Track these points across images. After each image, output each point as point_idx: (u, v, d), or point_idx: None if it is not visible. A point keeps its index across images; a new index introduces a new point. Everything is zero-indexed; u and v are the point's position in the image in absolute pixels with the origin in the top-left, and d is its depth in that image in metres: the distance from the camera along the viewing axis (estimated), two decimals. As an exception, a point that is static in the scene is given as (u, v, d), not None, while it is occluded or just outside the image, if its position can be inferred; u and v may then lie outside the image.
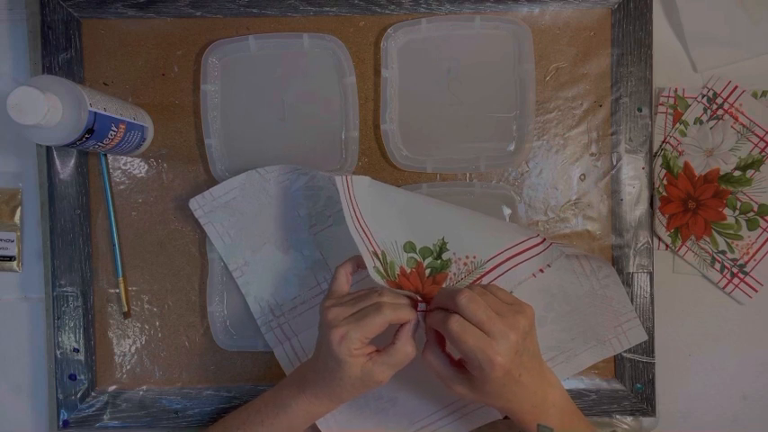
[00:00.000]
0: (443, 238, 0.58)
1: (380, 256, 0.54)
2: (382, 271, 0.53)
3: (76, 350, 0.64)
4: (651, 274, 0.64)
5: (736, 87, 0.65)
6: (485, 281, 0.58)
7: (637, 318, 0.62)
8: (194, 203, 0.62)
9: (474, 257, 0.58)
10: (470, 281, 0.58)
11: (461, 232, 0.58)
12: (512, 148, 0.64)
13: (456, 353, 0.50)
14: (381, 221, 0.57)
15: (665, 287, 0.65)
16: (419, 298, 0.52)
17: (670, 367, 0.66)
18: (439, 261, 0.58)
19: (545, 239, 0.58)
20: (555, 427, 0.51)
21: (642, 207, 0.64)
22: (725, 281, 0.65)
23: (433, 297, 0.52)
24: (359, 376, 0.49)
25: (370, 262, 0.52)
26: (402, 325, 0.50)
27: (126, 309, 0.64)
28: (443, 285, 0.58)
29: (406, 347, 0.49)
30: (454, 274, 0.58)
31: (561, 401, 0.53)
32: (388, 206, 0.58)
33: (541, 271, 0.59)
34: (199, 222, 0.62)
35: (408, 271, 0.57)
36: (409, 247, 0.58)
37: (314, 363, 0.53)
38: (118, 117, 0.55)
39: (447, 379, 0.50)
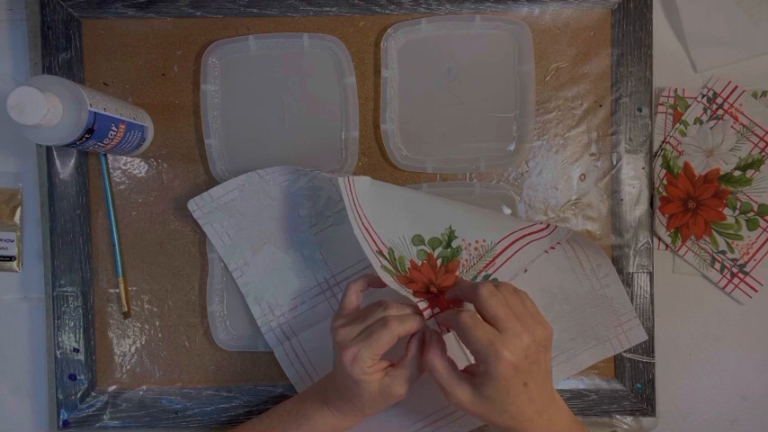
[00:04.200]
0: (451, 227, 0.58)
1: (387, 254, 0.54)
2: (391, 268, 0.53)
3: (76, 350, 0.64)
4: (651, 274, 0.64)
5: (736, 87, 0.65)
6: (497, 262, 0.58)
7: (637, 318, 0.62)
8: (193, 204, 0.62)
9: (483, 241, 0.58)
10: (483, 264, 0.58)
11: (467, 219, 0.58)
12: (512, 148, 0.64)
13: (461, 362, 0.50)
14: (386, 218, 0.57)
15: (665, 287, 0.65)
16: (426, 305, 0.51)
17: (670, 367, 0.66)
18: (449, 249, 0.58)
19: (549, 224, 0.58)
20: None
21: (642, 207, 0.64)
22: (725, 281, 0.65)
23: (447, 287, 0.52)
24: (378, 392, 0.49)
25: (376, 262, 0.52)
26: (412, 336, 0.50)
27: (126, 309, 0.64)
28: (456, 273, 0.58)
29: (418, 358, 0.49)
30: (466, 260, 0.58)
31: (571, 427, 0.50)
32: (391, 203, 0.58)
33: (553, 248, 0.59)
34: (198, 222, 0.62)
35: (419, 263, 0.57)
36: (417, 239, 0.58)
37: (333, 381, 0.53)
38: (118, 117, 0.55)
39: (446, 382, 0.47)
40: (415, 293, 0.52)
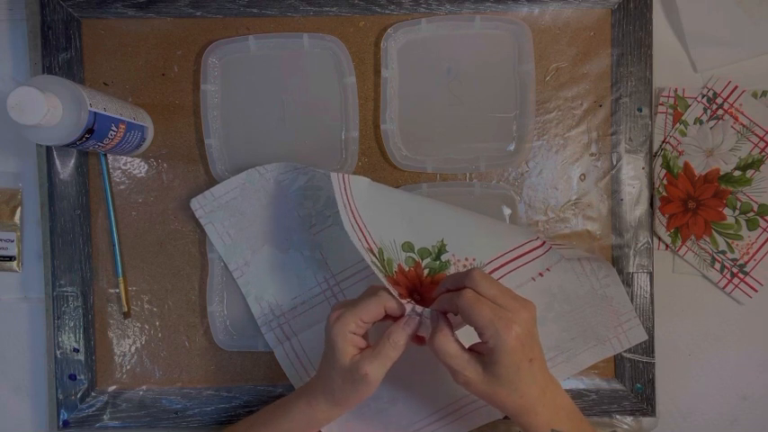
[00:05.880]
0: (443, 240, 0.58)
1: (377, 253, 0.54)
2: (380, 266, 0.53)
3: (76, 350, 0.64)
4: (651, 274, 0.64)
5: (736, 87, 0.65)
6: None
7: (637, 317, 0.62)
8: (195, 203, 0.62)
9: (473, 260, 0.58)
10: None
11: (461, 234, 0.58)
12: (512, 148, 0.64)
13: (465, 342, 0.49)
14: (379, 220, 0.57)
15: (665, 287, 0.65)
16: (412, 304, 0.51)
17: (670, 367, 0.66)
18: (438, 262, 0.57)
19: (544, 242, 0.58)
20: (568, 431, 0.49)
21: (642, 207, 0.64)
22: (725, 281, 0.65)
23: (431, 296, 0.52)
24: (348, 368, 0.48)
25: (367, 257, 0.52)
26: (394, 322, 0.50)
27: (126, 309, 0.64)
28: None
29: (391, 338, 0.48)
30: None
31: (569, 406, 0.51)
32: (386, 206, 0.58)
33: (541, 275, 0.59)
34: (199, 222, 0.62)
35: (407, 269, 0.56)
36: (407, 246, 0.57)
37: (318, 367, 0.53)
38: (118, 117, 0.55)
39: (457, 362, 0.47)
40: (401, 296, 0.52)
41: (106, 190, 0.64)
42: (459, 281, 0.49)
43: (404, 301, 0.50)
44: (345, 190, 0.55)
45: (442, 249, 0.57)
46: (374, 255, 0.53)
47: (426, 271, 0.57)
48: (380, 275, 0.51)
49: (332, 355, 0.49)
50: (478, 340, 0.48)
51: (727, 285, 0.66)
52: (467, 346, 0.49)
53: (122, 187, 0.64)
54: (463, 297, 0.46)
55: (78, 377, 0.64)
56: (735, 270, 0.65)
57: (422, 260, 0.57)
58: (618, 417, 0.64)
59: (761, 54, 0.65)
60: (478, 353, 0.48)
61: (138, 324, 0.65)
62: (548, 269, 0.58)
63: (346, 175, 0.55)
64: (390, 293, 0.49)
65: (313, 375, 0.55)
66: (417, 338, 0.54)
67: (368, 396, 0.50)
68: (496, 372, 0.46)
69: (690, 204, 0.65)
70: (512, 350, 0.45)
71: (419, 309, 0.50)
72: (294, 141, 0.64)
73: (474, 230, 0.59)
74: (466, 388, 0.48)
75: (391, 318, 0.51)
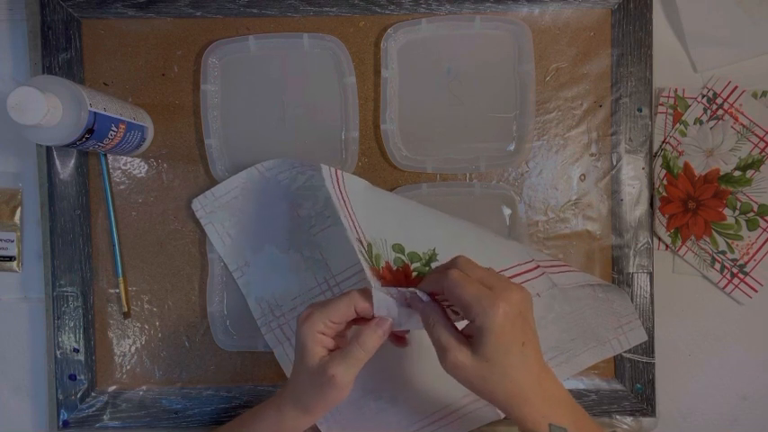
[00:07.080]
0: (434, 249, 0.56)
1: (366, 247, 0.53)
2: (367, 257, 0.52)
3: (76, 350, 0.64)
4: (651, 275, 0.64)
5: (736, 87, 0.65)
6: None
7: (638, 319, 0.62)
8: (196, 204, 0.62)
9: None
10: None
11: (454, 247, 0.56)
12: (512, 148, 0.64)
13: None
14: (372, 220, 0.56)
15: (665, 287, 0.65)
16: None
17: (670, 367, 0.66)
18: (427, 268, 0.55)
19: (538, 266, 0.57)
20: (568, 427, 0.46)
21: (642, 207, 0.64)
22: (725, 281, 0.65)
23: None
24: (316, 369, 0.47)
25: (356, 245, 0.50)
26: (366, 324, 0.48)
27: (126, 309, 0.64)
28: None
29: (359, 339, 0.47)
30: None
31: (568, 400, 0.49)
32: (380, 209, 0.57)
33: None
34: (199, 222, 0.62)
35: (394, 268, 0.55)
36: (398, 248, 0.56)
37: (291, 372, 0.52)
38: (118, 117, 0.55)
39: (449, 342, 0.45)
40: (384, 284, 0.51)
41: (106, 190, 0.64)
42: (445, 264, 0.48)
43: (390, 288, 0.49)
44: (338, 183, 0.54)
45: (432, 257, 0.56)
46: (363, 248, 0.53)
47: (415, 273, 0.56)
48: (366, 266, 0.50)
49: (300, 356, 0.48)
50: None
51: (727, 285, 0.65)
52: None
53: (122, 187, 0.64)
54: (449, 276, 0.45)
55: (78, 377, 0.64)
56: (735, 270, 0.65)
57: (411, 263, 0.56)
58: (618, 417, 0.64)
59: (761, 54, 0.65)
60: (468, 336, 0.46)
61: (138, 324, 0.65)
62: (537, 294, 0.57)
63: (339, 170, 0.55)
64: (362, 294, 0.48)
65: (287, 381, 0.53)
66: (397, 339, 0.53)
67: (338, 402, 0.48)
68: (485, 353, 0.44)
69: (690, 204, 0.65)
70: (500, 329, 0.43)
71: (408, 291, 0.48)
72: (294, 141, 0.64)
73: (468, 246, 0.57)
74: (455, 374, 0.46)
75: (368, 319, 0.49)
